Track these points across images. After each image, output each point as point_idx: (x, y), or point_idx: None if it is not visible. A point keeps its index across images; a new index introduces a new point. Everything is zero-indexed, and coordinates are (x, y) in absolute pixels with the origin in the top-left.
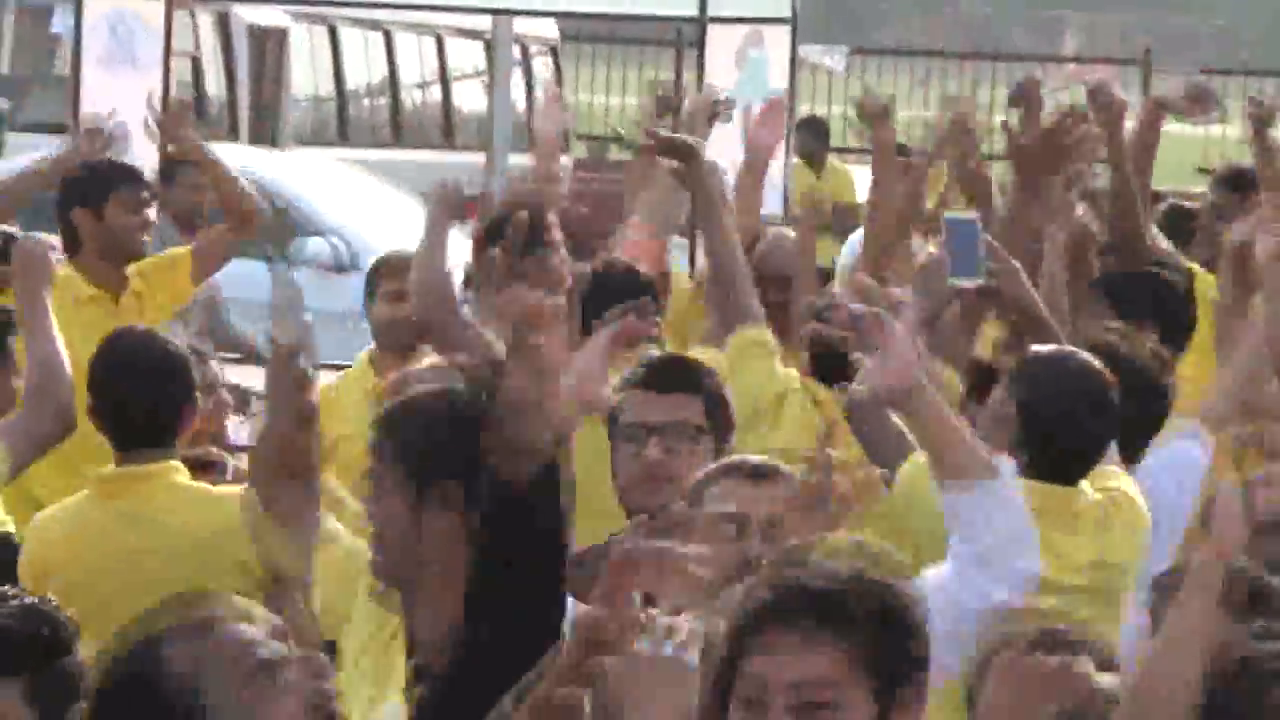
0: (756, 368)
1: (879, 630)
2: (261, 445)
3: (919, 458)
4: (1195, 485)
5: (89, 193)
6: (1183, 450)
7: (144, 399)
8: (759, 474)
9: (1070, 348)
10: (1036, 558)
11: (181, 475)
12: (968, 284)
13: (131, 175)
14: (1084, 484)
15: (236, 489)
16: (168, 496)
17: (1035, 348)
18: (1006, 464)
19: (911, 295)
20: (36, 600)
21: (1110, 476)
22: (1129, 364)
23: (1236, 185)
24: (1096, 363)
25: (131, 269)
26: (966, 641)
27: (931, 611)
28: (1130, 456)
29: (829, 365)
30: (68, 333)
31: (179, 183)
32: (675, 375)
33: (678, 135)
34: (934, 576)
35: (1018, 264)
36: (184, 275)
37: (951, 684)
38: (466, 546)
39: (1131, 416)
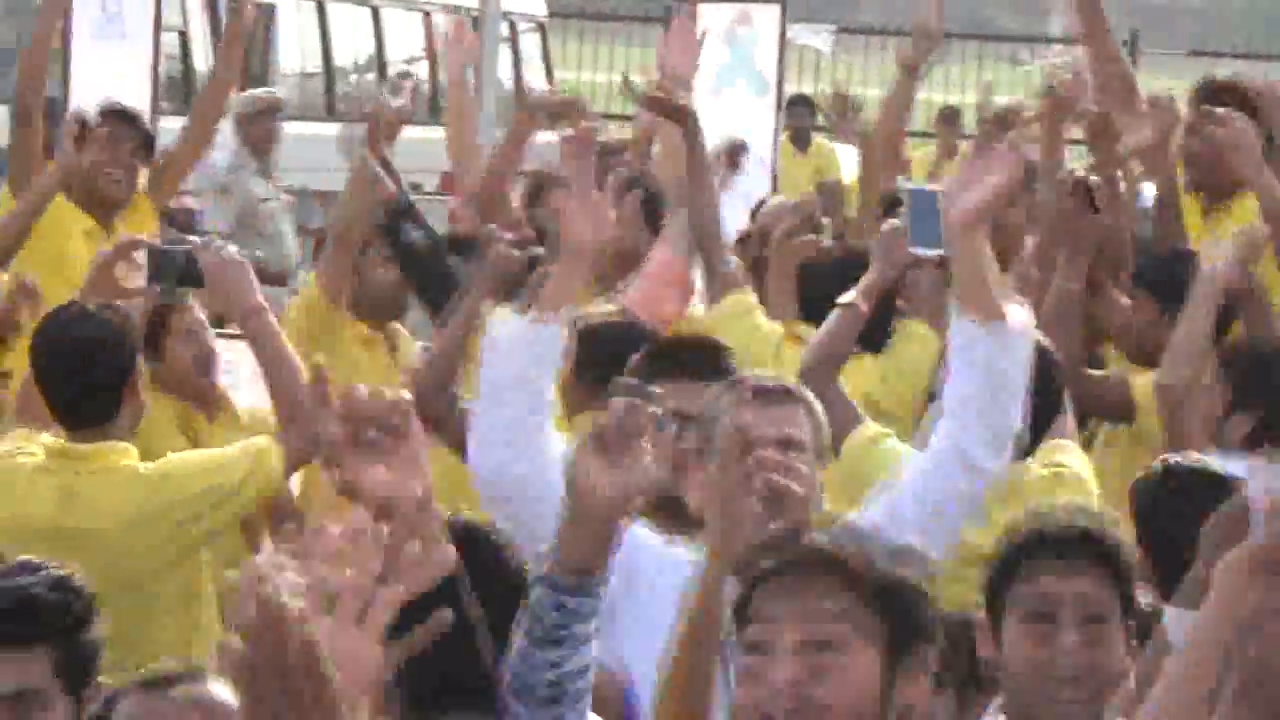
0: (746, 326)
1: (884, 590)
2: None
3: (866, 430)
4: None
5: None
6: None
7: (79, 383)
8: (767, 395)
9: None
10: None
11: (119, 456)
12: (928, 253)
13: (118, 115)
14: (1029, 459)
15: (165, 467)
16: (98, 480)
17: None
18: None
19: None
20: (64, 571)
21: (1059, 450)
22: None
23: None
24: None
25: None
26: (949, 520)
27: (911, 495)
28: None
29: (817, 308)
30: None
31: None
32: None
33: (678, 100)
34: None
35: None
36: (146, 214)
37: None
38: None
39: None
